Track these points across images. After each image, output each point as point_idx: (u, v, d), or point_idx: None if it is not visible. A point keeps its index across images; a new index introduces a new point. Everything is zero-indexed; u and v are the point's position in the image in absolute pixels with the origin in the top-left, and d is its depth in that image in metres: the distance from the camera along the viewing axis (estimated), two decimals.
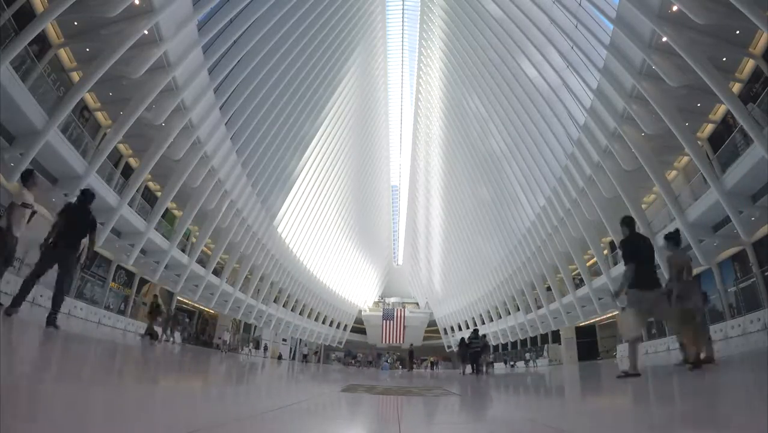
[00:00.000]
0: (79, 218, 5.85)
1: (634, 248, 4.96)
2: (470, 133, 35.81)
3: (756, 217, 13.99)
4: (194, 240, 24.87)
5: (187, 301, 27.59)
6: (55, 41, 14.29)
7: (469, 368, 16.49)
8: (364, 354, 50.45)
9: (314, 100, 30.29)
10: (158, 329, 14.73)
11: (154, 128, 17.85)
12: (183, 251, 23.37)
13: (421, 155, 52.21)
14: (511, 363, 35.11)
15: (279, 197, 32.19)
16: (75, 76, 14.99)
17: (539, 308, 32.64)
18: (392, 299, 67.65)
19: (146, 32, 14.98)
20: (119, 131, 16.15)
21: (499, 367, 31.59)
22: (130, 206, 18.34)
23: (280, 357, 35.05)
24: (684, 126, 15.67)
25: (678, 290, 5.17)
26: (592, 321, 28.59)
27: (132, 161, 19.73)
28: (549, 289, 30.92)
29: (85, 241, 5.76)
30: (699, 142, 16.10)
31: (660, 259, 8.07)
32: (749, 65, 14.26)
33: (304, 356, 43.54)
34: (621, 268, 21.47)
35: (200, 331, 30.71)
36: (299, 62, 25.61)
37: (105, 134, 16.96)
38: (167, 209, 21.45)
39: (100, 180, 16.14)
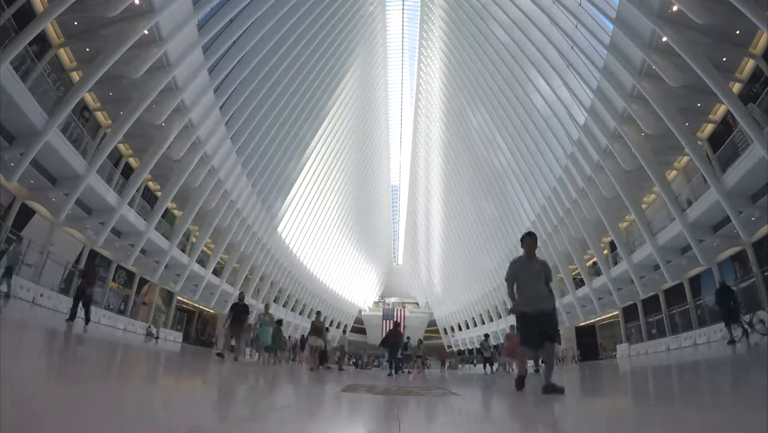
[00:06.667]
0: None
1: None
2: (470, 134, 35.80)
3: (756, 217, 13.99)
4: (194, 240, 24.86)
5: (187, 301, 27.59)
6: (55, 41, 14.29)
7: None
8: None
9: (314, 99, 30.28)
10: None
11: (154, 128, 17.84)
12: (183, 251, 23.36)
13: (421, 155, 52.21)
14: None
15: (279, 197, 32.18)
16: (75, 76, 14.99)
17: None
18: (392, 299, 67.66)
19: (146, 32, 14.98)
20: (119, 131, 16.14)
21: None
22: (130, 206, 18.34)
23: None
24: (684, 126, 15.67)
25: None
26: (592, 321, 28.57)
27: (132, 161, 19.73)
28: None
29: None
30: (699, 142, 16.09)
31: None
32: (749, 65, 14.25)
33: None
34: (621, 268, 21.63)
35: (200, 331, 30.70)
36: (299, 62, 25.60)
37: (105, 134, 16.95)
38: (167, 209, 21.44)
39: (100, 180, 16.14)
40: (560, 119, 23.62)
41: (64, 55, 14.98)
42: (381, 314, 61.19)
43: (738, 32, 13.21)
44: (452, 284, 50.96)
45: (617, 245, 21.81)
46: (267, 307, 12.82)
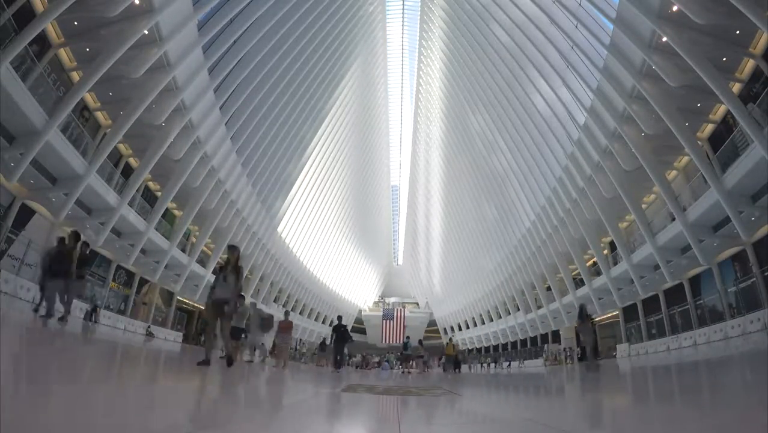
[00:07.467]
0: None
1: None
2: (470, 135, 35.79)
3: (756, 217, 13.99)
4: (194, 240, 24.86)
5: (187, 301, 27.58)
6: (55, 41, 14.29)
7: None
8: None
9: (314, 99, 30.28)
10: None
11: (154, 128, 17.84)
12: (183, 251, 23.36)
13: (421, 155, 52.21)
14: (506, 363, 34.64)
15: (279, 197, 32.19)
16: (75, 76, 14.99)
17: (539, 308, 32.62)
18: (392, 299, 67.66)
19: (146, 32, 14.98)
20: (119, 131, 16.15)
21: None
22: (130, 206, 18.34)
23: None
24: (684, 126, 15.67)
25: None
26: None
27: (132, 161, 19.72)
28: (549, 289, 30.90)
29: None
30: (699, 142, 16.09)
31: None
32: (749, 65, 14.25)
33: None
34: (621, 268, 21.63)
35: (200, 331, 30.65)
36: (299, 62, 25.60)
37: (105, 134, 16.95)
38: (167, 209, 21.44)
39: (100, 180, 16.14)
40: (560, 119, 23.61)
41: (64, 55, 14.97)
42: (381, 314, 61.23)
43: (738, 32, 13.22)
44: (452, 284, 50.96)
45: (617, 245, 21.81)
46: None
